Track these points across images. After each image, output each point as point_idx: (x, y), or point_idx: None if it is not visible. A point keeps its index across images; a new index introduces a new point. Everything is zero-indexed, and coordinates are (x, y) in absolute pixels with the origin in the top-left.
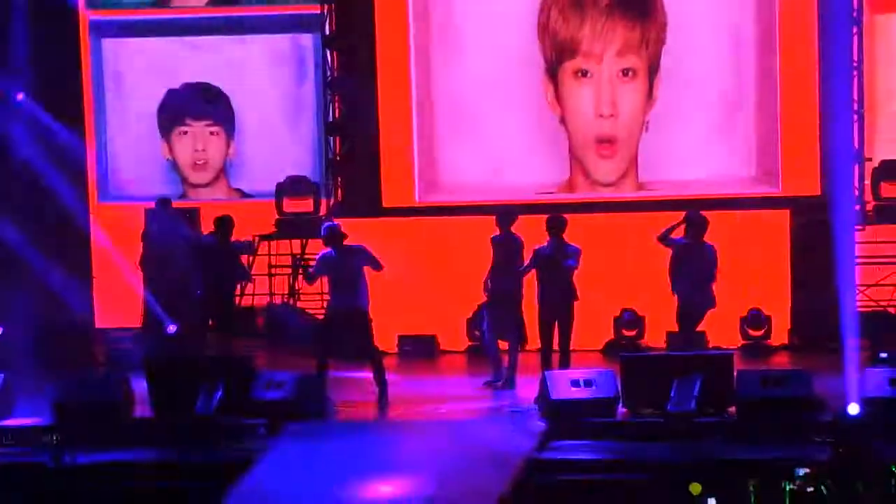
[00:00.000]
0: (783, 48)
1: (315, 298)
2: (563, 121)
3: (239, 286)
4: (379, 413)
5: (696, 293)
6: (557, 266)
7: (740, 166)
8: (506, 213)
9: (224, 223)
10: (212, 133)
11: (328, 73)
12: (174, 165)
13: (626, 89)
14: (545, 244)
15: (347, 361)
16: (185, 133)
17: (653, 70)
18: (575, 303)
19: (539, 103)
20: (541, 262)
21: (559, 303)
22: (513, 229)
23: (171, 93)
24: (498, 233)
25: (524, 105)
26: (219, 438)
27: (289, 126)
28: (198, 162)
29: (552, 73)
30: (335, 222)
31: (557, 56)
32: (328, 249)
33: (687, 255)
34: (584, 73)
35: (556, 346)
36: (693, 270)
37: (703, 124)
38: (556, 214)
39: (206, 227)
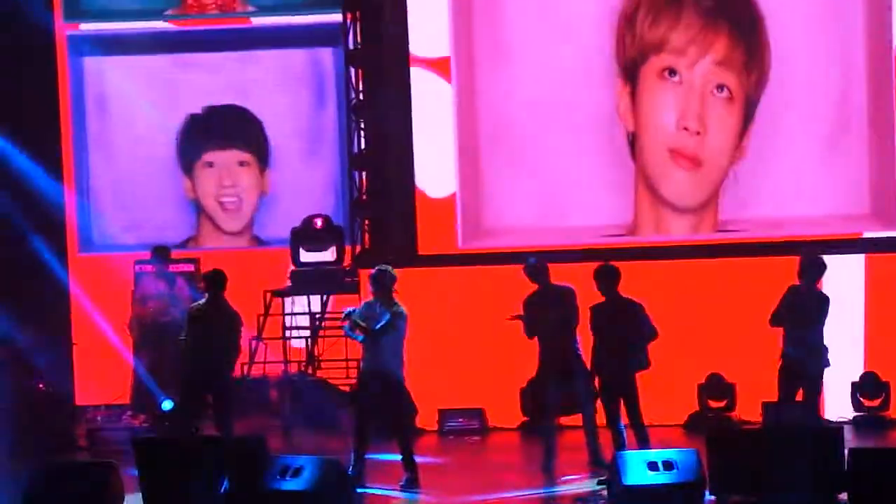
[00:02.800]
0: None
1: (339, 366)
2: (633, 138)
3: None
4: None
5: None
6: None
7: (849, 202)
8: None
9: (217, 280)
10: (242, 164)
11: (352, 96)
12: (198, 206)
13: (720, 108)
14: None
15: (381, 439)
16: (211, 165)
17: (751, 102)
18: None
19: (604, 134)
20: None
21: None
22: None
23: (192, 118)
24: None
25: (587, 132)
26: None
27: (305, 159)
28: (225, 200)
29: (631, 73)
30: (387, 266)
31: (641, 53)
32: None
33: (800, 303)
34: (672, 73)
35: (625, 420)
36: (807, 322)
37: (805, 155)
38: (605, 263)
39: None
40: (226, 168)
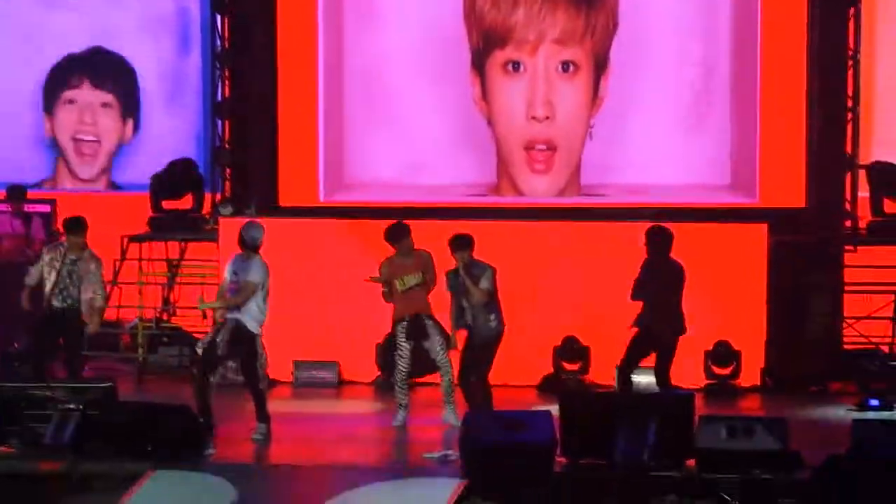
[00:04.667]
0: (764, 35)
1: (195, 314)
2: (490, 122)
3: None
4: (261, 456)
5: (661, 318)
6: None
7: (710, 172)
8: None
9: (77, 225)
10: (104, 105)
11: (217, 44)
12: (56, 146)
13: (566, 87)
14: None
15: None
16: (72, 103)
17: (599, 64)
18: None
19: (468, 90)
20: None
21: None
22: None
23: (65, 58)
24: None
25: (452, 90)
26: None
27: (168, 106)
28: (83, 137)
29: (479, 65)
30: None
31: (485, 45)
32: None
33: (650, 273)
34: (516, 66)
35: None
36: (657, 290)
37: (665, 125)
38: (457, 234)
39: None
40: (87, 106)
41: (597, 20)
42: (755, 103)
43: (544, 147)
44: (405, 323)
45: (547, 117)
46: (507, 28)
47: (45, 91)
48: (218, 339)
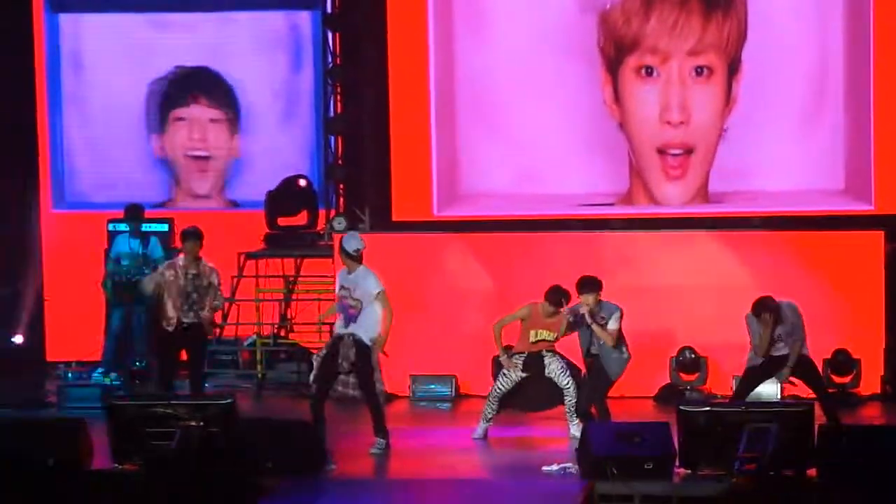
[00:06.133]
0: (877, 32)
1: (311, 329)
2: (622, 127)
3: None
4: (381, 470)
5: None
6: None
7: (824, 177)
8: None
9: (194, 236)
10: (213, 121)
11: (329, 60)
12: (168, 165)
13: (701, 91)
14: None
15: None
16: (181, 120)
17: (732, 69)
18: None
19: (592, 99)
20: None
21: None
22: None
23: (157, 81)
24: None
25: (572, 100)
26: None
27: (281, 123)
28: (195, 154)
29: (611, 69)
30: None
31: (617, 51)
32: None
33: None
34: (650, 71)
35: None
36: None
37: (782, 129)
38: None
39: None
40: (196, 122)
41: (729, 28)
42: (869, 106)
43: (680, 152)
44: (524, 355)
45: (682, 122)
46: (641, 36)
47: (151, 111)
48: (334, 354)
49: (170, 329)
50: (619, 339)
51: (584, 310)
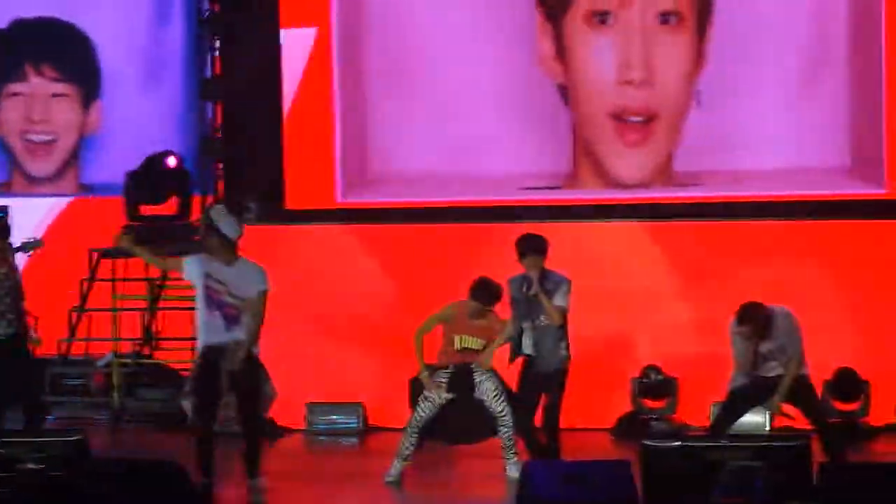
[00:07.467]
0: None
1: (181, 346)
2: (564, 89)
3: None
4: None
5: None
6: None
7: (826, 154)
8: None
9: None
10: (56, 95)
11: (205, 7)
12: (3, 145)
13: (667, 43)
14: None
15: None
16: (17, 96)
17: (704, 14)
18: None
19: (525, 54)
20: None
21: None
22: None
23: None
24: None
25: (502, 57)
26: None
27: (143, 88)
28: (35, 138)
29: (553, 17)
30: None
31: None
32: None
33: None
34: (603, 18)
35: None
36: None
37: (775, 94)
38: (529, 234)
39: None
40: (38, 100)
41: None
42: (880, 65)
43: (640, 119)
44: (449, 371)
45: (645, 81)
46: None
47: None
48: (212, 372)
49: None
50: (564, 328)
51: (532, 273)
